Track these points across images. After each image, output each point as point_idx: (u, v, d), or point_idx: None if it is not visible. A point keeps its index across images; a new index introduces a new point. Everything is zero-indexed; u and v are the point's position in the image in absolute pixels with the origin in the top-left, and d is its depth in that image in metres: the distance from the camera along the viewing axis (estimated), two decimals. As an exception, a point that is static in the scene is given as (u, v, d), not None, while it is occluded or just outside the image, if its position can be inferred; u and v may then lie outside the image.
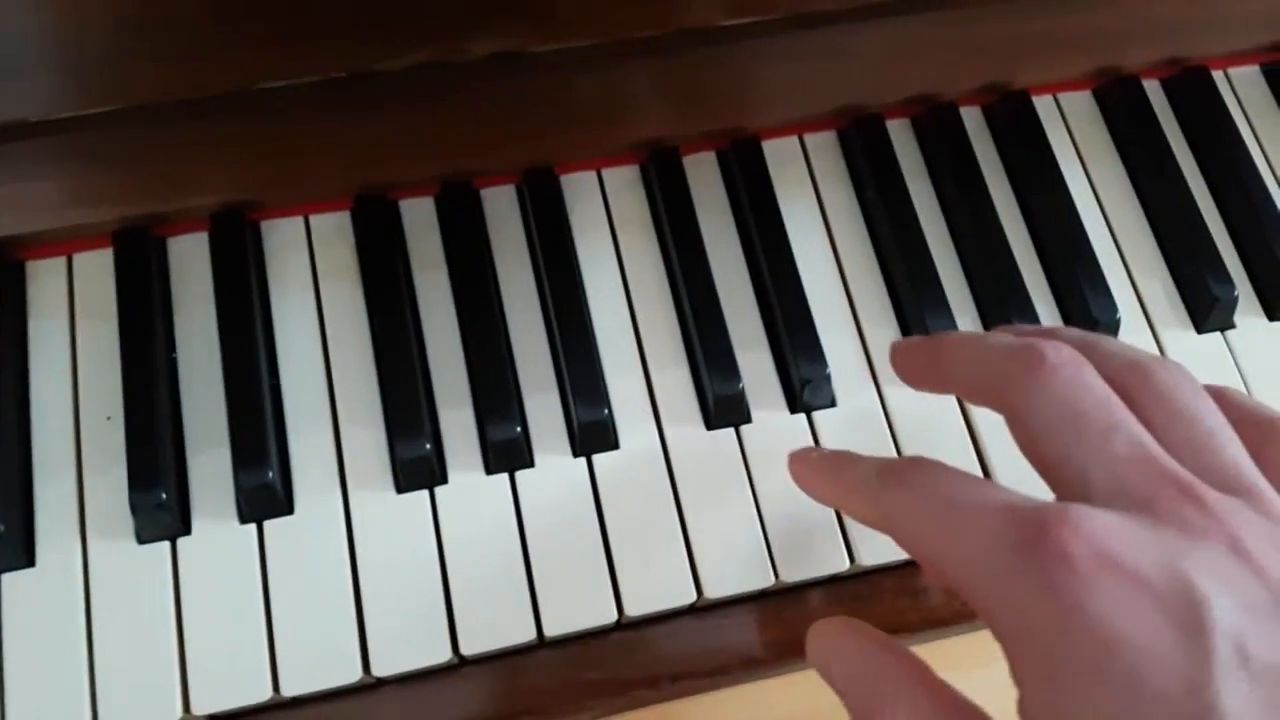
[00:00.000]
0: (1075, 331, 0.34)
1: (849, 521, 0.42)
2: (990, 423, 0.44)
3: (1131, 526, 0.26)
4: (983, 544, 0.28)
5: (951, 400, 0.45)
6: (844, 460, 0.35)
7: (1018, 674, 0.27)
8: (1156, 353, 0.46)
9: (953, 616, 0.43)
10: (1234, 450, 0.30)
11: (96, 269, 0.44)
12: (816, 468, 0.37)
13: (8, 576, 0.39)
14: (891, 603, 0.44)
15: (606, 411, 0.42)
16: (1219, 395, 0.32)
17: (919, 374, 0.37)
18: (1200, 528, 0.26)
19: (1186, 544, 0.26)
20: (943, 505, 0.29)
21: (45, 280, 0.44)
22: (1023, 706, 0.27)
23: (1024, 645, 0.27)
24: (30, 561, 0.40)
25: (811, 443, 0.44)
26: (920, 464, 0.31)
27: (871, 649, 0.31)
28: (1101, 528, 0.26)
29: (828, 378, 0.44)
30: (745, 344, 0.45)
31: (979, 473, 0.43)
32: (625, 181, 0.48)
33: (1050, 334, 0.34)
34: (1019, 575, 0.26)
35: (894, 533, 0.31)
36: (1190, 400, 0.31)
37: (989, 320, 0.46)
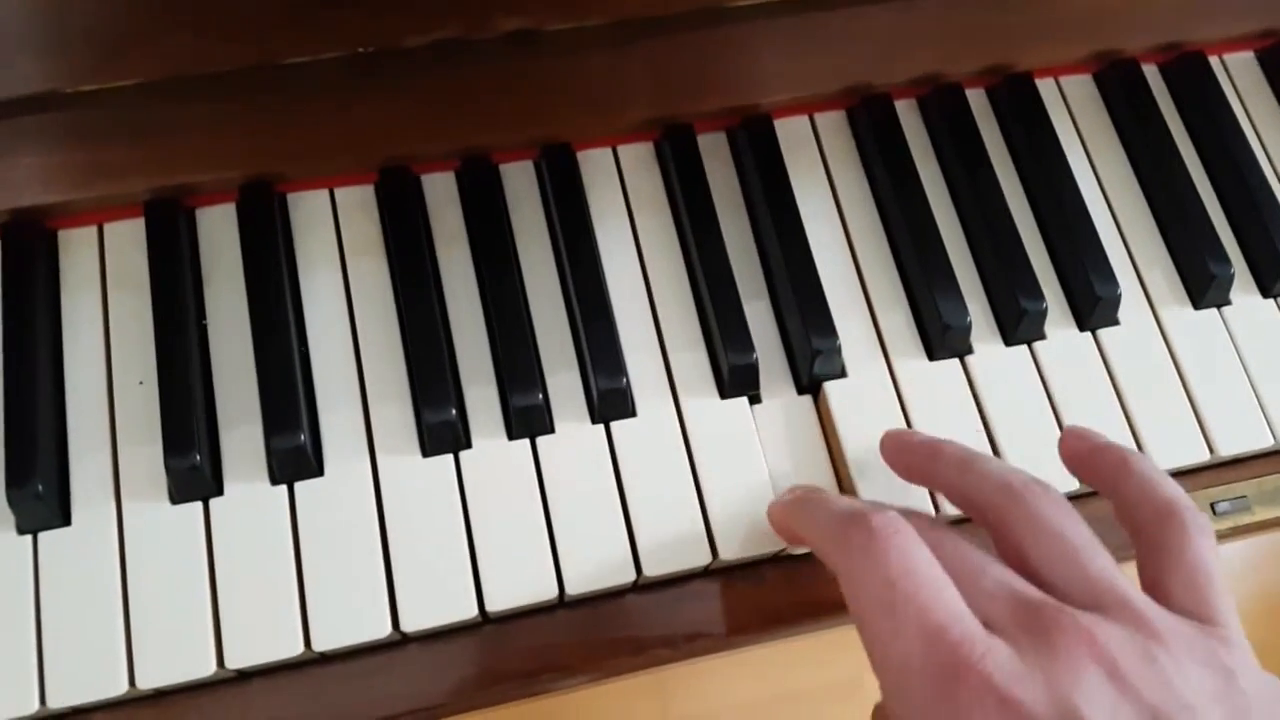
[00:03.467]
0: (956, 450, 0.37)
1: (859, 487, 0.44)
2: (1000, 401, 0.45)
3: (1028, 670, 0.29)
4: (902, 651, 0.30)
5: (959, 374, 0.46)
6: (813, 502, 0.37)
7: None
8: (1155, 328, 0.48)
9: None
10: (1101, 563, 0.32)
11: (127, 239, 0.45)
12: (787, 508, 0.39)
13: (45, 536, 0.40)
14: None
15: (624, 380, 0.44)
16: (1119, 471, 0.35)
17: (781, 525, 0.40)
18: (1078, 661, 0.29)
19: (1073, 683, 0.28)
20: (879, 595, 0.31)
21: (77, 249, 0.45)
22: None
23: None
24: (66, 521, 0.41)
25: (815, 419, 0.45)
26: (878, 531, 0.32)
27: None
28: (1006, 673, 0.28)
29: (838, 349, 0.45)
30: (757, 317, 0.46)
31: (988, 449, 0.45)
32: (640, 158, 0.49)
33: (933, 454, 0.38)
34: (923, 693, 0.29)
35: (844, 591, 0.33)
36: (1056, 515, 0.33)
37: (995, 297, 0.48)
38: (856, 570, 0.32)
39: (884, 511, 0.33)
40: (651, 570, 0.42)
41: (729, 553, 0.42)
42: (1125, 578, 0.32)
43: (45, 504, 0.40)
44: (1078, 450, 0.38)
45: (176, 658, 0.39)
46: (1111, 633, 0.29)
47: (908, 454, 0.40)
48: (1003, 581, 0.32)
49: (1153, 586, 0.33)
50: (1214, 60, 0.54)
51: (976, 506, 0.35)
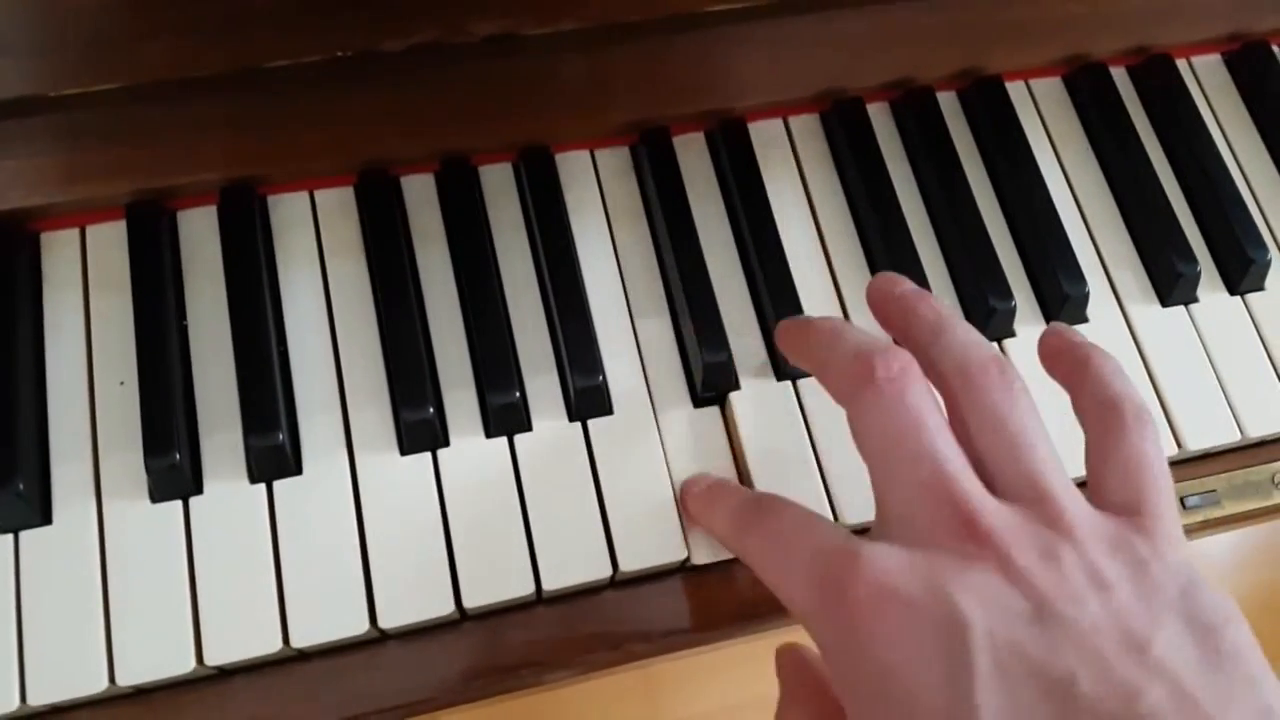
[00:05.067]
0: (931, 313, 0.37)
1: (832, 485, 0.44)
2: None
3: (910, 562, 0.30)
4: (798, 585, 0.33)
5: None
6: (716, 496, 0.41)
7: (836, 691, 0.32)
8: (1124, 325, 0.48)
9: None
10: (1037, 455, 0.33)
11: (109, 240, 0.46)
12: (697, 501, 0.42)
13: (26, 535, 0.41)
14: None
15: (601, 378, 0.44)
16: (1080, 367, 0.36)
17: (791, 350, 0.41)
18: (973, 554, 0.30)
19: (956, 571, 0.30)
20: (773, 549, 0.35)
21: (59, 251, 0.46)
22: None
23: (832, 669, 0.32)
24: (47, 520, 0.41)
25: (796, 408, 0.46)
26: (762, 507, 0.36)
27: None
28: (882, 569, 0.30)
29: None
30: (733, 316, 0.47)
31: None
32: (617, 160, 0.50)
33: (908, 313, 0.38)
34: (821, 613, 0.32)
35: (751, 566, 0.36)
36: (1003, 405, 0.34)
37: (965, 296, 0.49)
38: (862, 419, 0.34)
39: (887, 358, 0.34)
40: (628, 566, 0.42)
41: (702, 549, 0.43)
42: (1059, 473, 0.33)
43: (26, 503, 0.40)
44: (1053, 346, 0.38)
45: (156, 655, 0.40)
46: (1017, 525, 0.31)
47: (888, 303, 0.39)
48: (935, 475, 0.32)
49: (1093, 478, 0.34)
50: (1181, 63, 0.55)
51: (935, 376, 0.36)
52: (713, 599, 0.44)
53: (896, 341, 0.37)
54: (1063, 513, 0.31)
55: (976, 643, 0.28)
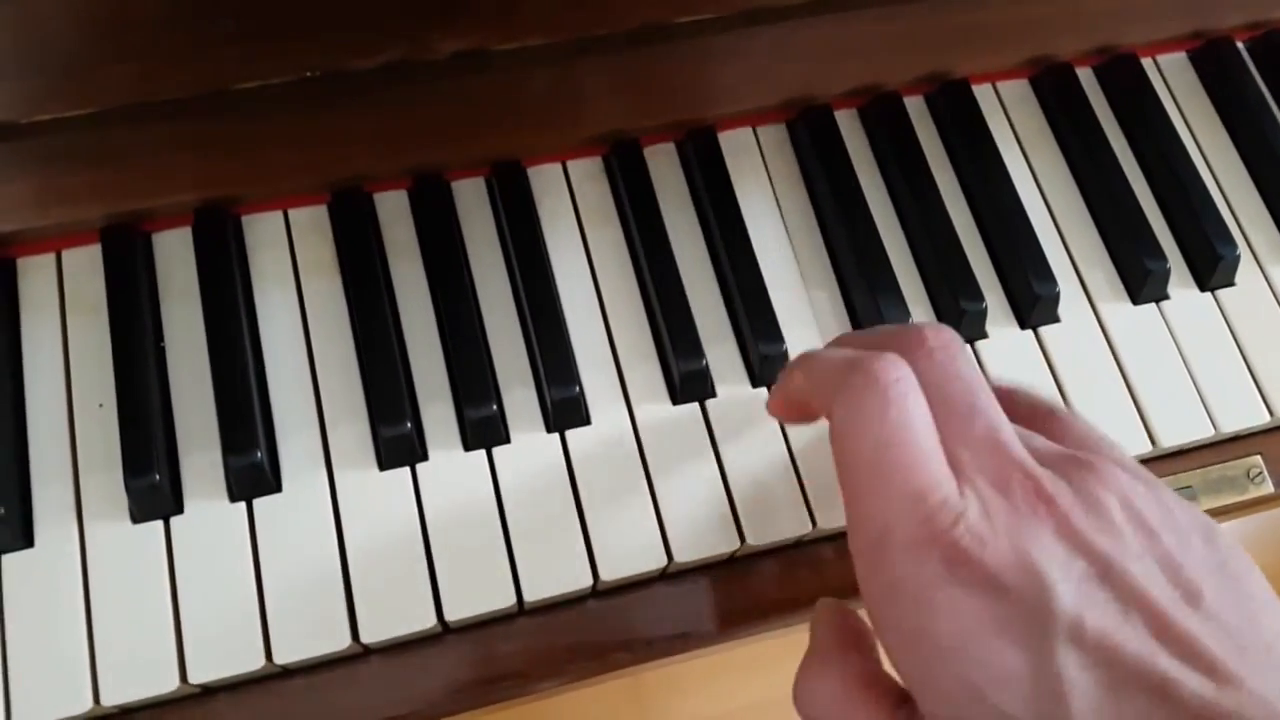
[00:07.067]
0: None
1: (810, 487, 0.45)
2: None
3: (989, 523, 0.30)
4: (890, 500, 0.30)
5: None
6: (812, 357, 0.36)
7: (883, 642, 0.31)
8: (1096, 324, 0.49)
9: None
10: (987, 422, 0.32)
11: (85, 264, 0.46)
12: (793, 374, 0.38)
13: (8, 557, 0.41)
14: (846, 565, 0.46)
15: (578, 389, 0.45)
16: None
17: (790, 401, 0.39)
18: (1039, 510, 0.30)
19: (1032, 530, 0.29)
20: (872, 449, 0.31)
21: (35, 276, 0.46)
22: (899, 672, 0.31)
23: (890, 613, 0.30)
24: (29, 542, 0.41)
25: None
26: (871, 374, 0.32)
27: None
28: (975, 520, 0.29)
29: (784, 354, 0.46)
30: (707, 324, 0.47)
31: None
32: (589, 172, 0.50)
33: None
34: (912, 550, 0.30)
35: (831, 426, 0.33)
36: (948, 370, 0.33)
37: (936, 299, 0.49)
38: (849, 425, 0.32)
39: (936, 329, 0.34)
40: (608, 575, 0.43)
41: (684, 555, 0.43)
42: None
43: (8, 526, 0.41)
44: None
45: (140, 675, 0.40)
46: (1068, 492, 0.30)
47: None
48: (990, 430, 0.32)
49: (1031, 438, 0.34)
50: (1146, 62, 0.55)
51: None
52: (693, 606, 0.45)
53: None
54: (1106, 474, 0.31)
55: (1059, 609, 0.28)
